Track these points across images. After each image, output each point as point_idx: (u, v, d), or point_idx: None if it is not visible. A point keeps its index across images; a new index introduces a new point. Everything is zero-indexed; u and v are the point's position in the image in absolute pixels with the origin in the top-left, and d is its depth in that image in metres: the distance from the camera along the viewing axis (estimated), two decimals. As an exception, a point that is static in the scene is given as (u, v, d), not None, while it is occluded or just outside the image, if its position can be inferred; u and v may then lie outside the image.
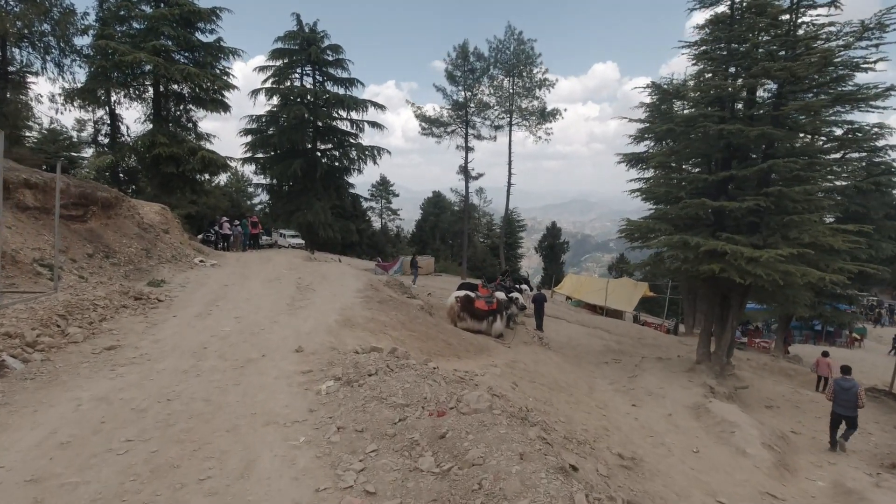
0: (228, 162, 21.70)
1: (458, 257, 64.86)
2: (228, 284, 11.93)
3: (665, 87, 13.54)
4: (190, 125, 21.80)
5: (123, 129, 22.03)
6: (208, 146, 22.01)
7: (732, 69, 12.70)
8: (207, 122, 23.18)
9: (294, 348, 6.46)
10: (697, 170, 14.21)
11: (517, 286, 18.28)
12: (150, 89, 20.61)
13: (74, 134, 24.43)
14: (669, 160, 15.63)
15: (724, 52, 12.75)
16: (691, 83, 13.99)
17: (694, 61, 13.42)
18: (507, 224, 74.28)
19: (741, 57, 12.17)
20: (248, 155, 29.70)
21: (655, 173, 15.77)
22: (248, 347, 6.44)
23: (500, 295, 14.79)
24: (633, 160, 26.66)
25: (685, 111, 14.01)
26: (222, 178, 43.70)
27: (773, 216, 11.63)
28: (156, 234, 14.71)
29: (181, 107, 21.13)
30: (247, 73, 30.92)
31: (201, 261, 15.19)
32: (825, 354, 16.75)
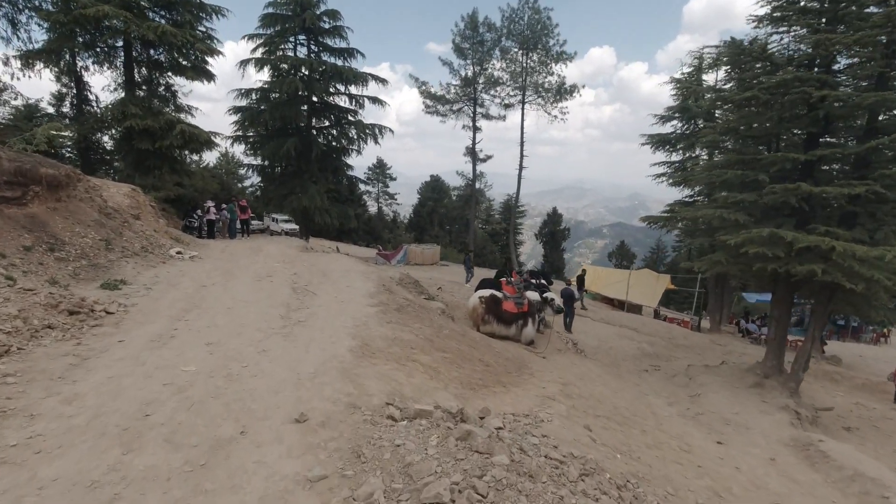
0: (213, 138, 19.05)
1: (457, 244, 62.71)
2: (208, 284, 9.59)
3: (746, 45, 11.14)
4: (168, 95, 19.08)
5: (92, 99, 19.29)
6: (191, 120, 19.38)
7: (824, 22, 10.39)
8: (195, 99, 20.42)
9: (293, 414, 4.12)
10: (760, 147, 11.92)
11: (535, 282, 16.03)
12: (122, 53, 17.88)
13: (48, 107, 21.71)
14: (724, 139, 13.34)
15: (816, 3, 10.43)
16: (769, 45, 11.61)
17: (767, 22, 11.09)
18: (507, 210, 72.33)
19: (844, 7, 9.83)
20: (238, 133, 26.97)
21: (700, 155, 13.51)
22: (219, 412, 4.10)
23: (533, 295, 12.59)
24: (659, 142, 24.62)
25: (761, 78, 11.66)
26: (210, 159, 40.84)
27: (881, 205, 9.45)
28: (122, 221, 12.27)
29: (156, 74, 18.39)
30: (236, 51, 28.01)
31: (178, 252, 12.81)
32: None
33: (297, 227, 27.35)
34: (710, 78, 23.83)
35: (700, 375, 12.89)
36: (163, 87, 19.01)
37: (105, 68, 18.58)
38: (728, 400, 10.61)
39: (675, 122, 24.27)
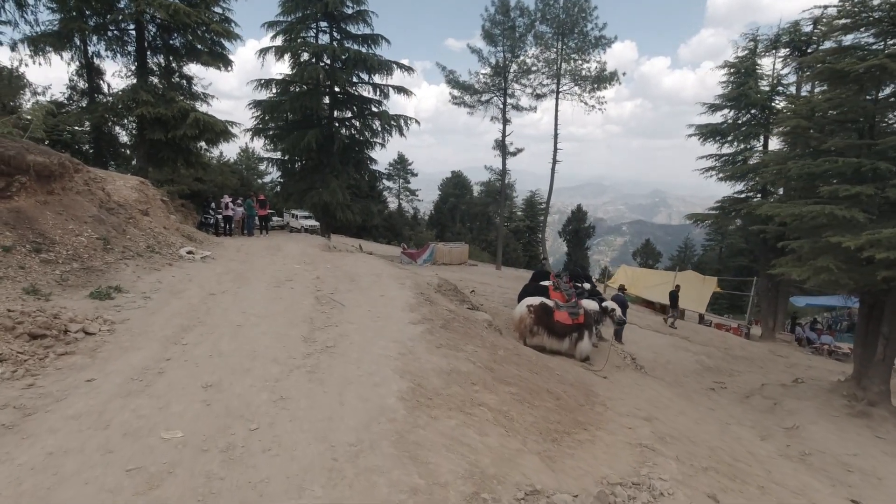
0: (230, 128, 17.70)
1: (480, 241, 61.00)
2: (217, 292, 8.15)
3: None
4: (182, 82, 17.81)
5: (105, 89, 18.15)
6: (207, 110, 18.08)
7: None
8: (216, 96, 19.08)
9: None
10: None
11: (577, 286, 14.25)
12: (134, 36, 16.65)
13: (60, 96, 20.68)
14: (809, 124, 11.41)
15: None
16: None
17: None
18: (530, 207, 70.33)
19: None
20: (258, 126, 25.72)
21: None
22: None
23: (590, 304, 10.90)
24: (710, 133, 22.52)
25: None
26: (230, 154, 39.93)
27: None
28: (127, 217, 10.96)
29: (171, 59, 17.09)
30: (257, 47, 26.69)
31: (189, 252, 11.46)
32: None
33: (317, 223, 26.01)
34: (765, 63, 21.62)
35: (783, 399, 11.04)
36: (177, 75, 17.71)
37: (117, 54, 17.41)
38: (835, 435, 8.78)
39: (724, 111, 22.08)
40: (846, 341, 22.54)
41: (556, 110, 27.16)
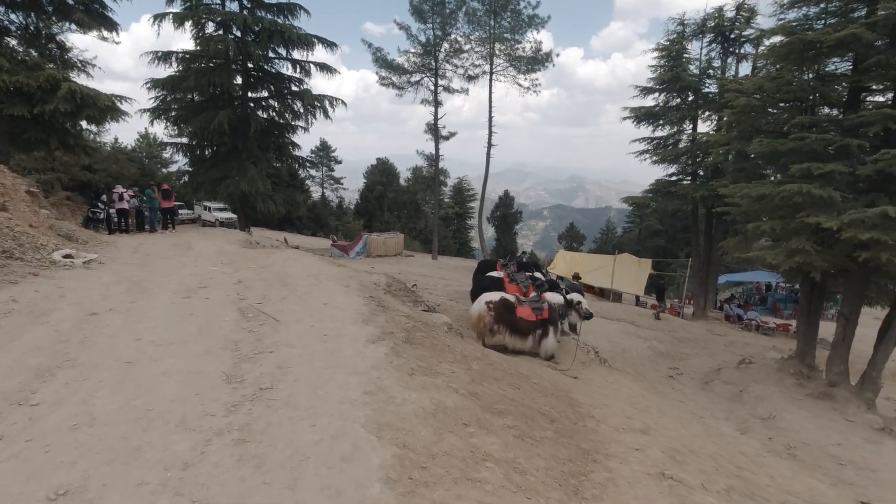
0: (118, 103, 14.66)
1: (410, 230, 59.46)
2: (100, 312, 6.12)
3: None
4: (53, 48, 14.50)
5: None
6: (87, 83, 14.88)
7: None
8: (111, 81, 15.63)
9: None
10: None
11: (534, 277, 13.34)
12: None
13: None
14: (759, 100, 11.22)
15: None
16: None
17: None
18: (458, 194, 69.82)
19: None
20: (158, 106, 22.28)
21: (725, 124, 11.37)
22: None
23: (555, 297, 9.96)
24: (644, 116, 22.61)
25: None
26: (127, 139, 35.16)
27: None
28: (-29, 214, 8.35)
29: (31, 15, 13.73)
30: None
31: (67, 256, 9.05)
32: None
33: (234, 216, 23.21)
34: (693, 48, 21.97)
35: (748, 385, 10.84)
36: (45, 38, 14.35)
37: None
38: (811, 423, 8.51)
39: (655, 94, 22.21)
40: (764, 314, 23.93)
41: (490, 92, 26.25)
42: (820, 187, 8.00)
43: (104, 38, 15.71)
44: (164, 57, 21.46)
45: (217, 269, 9.53)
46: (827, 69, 10.74)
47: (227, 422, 3.37)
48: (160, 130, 40.44)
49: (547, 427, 5.16)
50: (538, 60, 24.39)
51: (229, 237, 15.03)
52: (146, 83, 21.70)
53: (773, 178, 10.07)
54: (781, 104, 11.23)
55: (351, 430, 3.24)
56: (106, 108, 13.81)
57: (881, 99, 10.25)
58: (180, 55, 21.54)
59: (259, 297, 7.26)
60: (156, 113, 21.93)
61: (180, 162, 26.80)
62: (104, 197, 14.78)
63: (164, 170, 41.54)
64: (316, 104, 23.08)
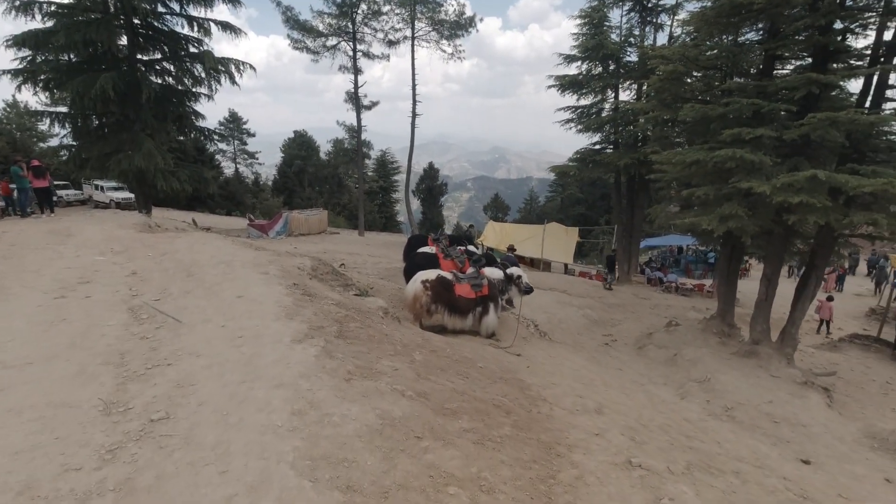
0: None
1: (334, 205, 57.13)
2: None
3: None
4: None
5: None
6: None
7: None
8: None
9: None
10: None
11: (469, 251, 12.86)
12: None
13: None
14: (683, 65, 11.29)
15: None
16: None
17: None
18: (382, 167, 67.98)
19: None
20: (23, 68, 18.79)
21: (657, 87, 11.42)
22: None
23: (494, 273, 9.54)
24: (568, 84, 22.63)
25: None
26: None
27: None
28: None
29: None
30: None
31: None
32: (830, 299, 15.21)
33: (131, 196, 20.49)
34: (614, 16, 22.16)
35: (679, 348, 11.18)
36: None
37: None
38: (743, 382, 8.83)
39: (578, 63, 22.28)
40: (680, 276, 25.50)
41: (413, 58, 25.00)
42: (751, 152, 8.07)
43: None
44: (24, 7, 18.02)
45: (104, 260, 8.02)
46: (741, 39, 11.06)
47: (99, 479, 2.44)
48: (30, 97, 35.01)
49: (504, 422, 4.66)
50: (461, 25, 23.46)
51: (122, 220, 13.02)
52: (6, 40, 18.17)
53: (685, 148, 10.20)
54: (702, 71, 11.41)
55: (277, 475, 2.46)
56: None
57: (789, 68, 10.69)
58: (45, 6, 18.20)
59: (157, 293, 6.06)
60: (19, 75, 18.51)
61: (61, 135, 23.10)
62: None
63: (41, 144, 36.21)
64: (220, 68, 20.58)
